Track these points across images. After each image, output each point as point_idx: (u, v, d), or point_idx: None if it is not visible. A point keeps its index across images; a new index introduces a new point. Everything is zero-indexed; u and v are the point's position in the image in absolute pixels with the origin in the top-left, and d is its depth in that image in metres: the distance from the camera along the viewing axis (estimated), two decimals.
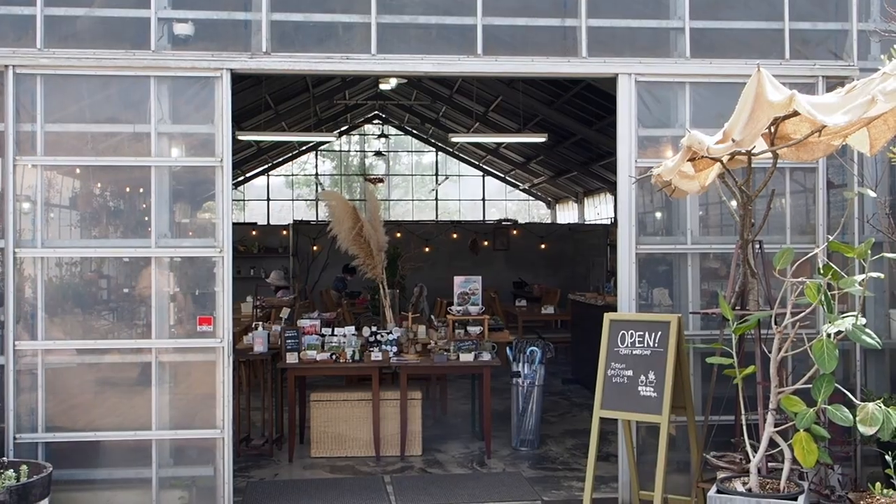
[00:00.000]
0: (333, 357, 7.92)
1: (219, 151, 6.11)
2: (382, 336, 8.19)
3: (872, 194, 5.40)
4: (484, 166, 27.29)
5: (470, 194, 27.95)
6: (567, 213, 27.47)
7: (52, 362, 6.07)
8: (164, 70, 6.08)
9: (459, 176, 27.92)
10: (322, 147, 26.46)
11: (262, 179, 26.35)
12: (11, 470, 5.29)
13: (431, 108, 22.10)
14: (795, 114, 4.57)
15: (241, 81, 12.50)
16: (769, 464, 5.02)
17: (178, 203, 6.33)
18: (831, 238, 4.89)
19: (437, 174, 27.73)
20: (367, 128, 26.82)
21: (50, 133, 6.08)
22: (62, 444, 6.01)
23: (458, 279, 8.76)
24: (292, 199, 27.31)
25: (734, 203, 5.49)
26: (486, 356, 8.06)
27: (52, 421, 6.00)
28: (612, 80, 6.53)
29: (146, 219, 6.12)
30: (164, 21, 6.13)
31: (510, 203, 28.63)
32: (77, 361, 6.22)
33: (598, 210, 24.33)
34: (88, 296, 6.26)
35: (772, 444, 4.79)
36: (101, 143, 6.33)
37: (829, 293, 4.43)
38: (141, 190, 6.21)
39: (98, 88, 6.26)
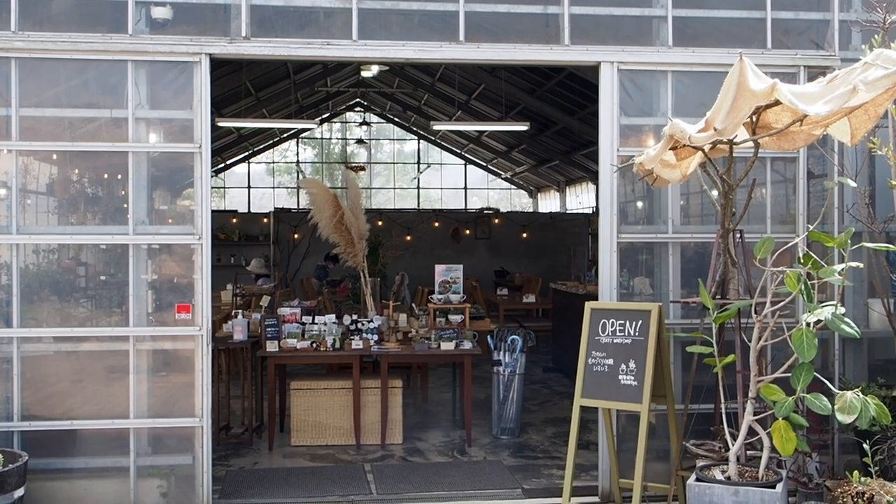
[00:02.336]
0: (314, 345, 7.88)
1: (198, 137, 6.04)
2: (363, 324, 8.17)
3: (852, 184, 5.43)
4: (466, 155, 27.22)
5: (452, 183, 27.86)
6: (549, 202, 27.46)
7: (28, 350, 5.99)
8: (141, 54, 6.00)
9: (441, 164, 27.82)
10: (303, 134, 26.30)
11: (242, 167, 26.14)
12: None
13: (413, 96, 22.01)
14: (777, 103, 4.58)
15: (221, 67, 12.40)
16: (748, 452, 5.05)
17: (156, 190, 6.25)
18: (811, 228, 4.92)
19: (419, 162, 27.64)
20: (349, 115, 26.66)
21: (25, 118, 5.98)
22: (38, 432, 5.94)
23: (439, 268, 8.74)
24: (273, 187, 27.12)
25: (715, 192, 5.49)
26: (467, 345, 8.05)
27: (28, 409, 5.93)
28: (594, 69, 6.52)
29: (124, 206, 6.05)
30: (141, 4, 6.04)
31: (492, 192, 28.58)
32: (54, 349, 6.15)
33: (579, 199, 24.34)
34: (66, 283, 6.18)
35: (751, 432, 4.81)
36: (79, 129, 6.23)
37: (808, 282, 4.46)
38: (119, 176, 6.13)
39: (75, 73, 6.16)
